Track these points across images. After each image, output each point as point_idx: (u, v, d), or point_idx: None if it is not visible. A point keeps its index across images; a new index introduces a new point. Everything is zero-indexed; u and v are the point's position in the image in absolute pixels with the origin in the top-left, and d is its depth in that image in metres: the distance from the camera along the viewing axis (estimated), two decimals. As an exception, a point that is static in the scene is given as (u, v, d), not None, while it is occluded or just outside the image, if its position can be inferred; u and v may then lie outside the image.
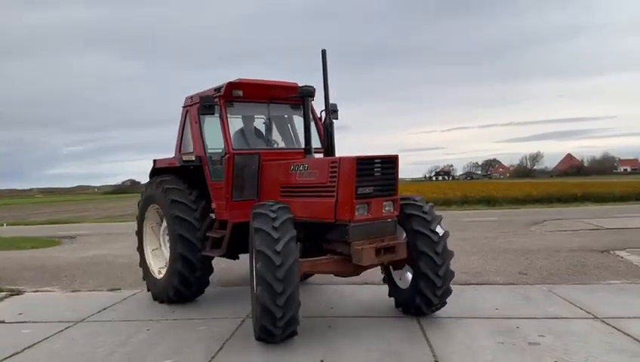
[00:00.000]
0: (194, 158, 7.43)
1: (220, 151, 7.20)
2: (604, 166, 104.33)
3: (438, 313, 6.41)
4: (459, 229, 15.15)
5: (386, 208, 5.95)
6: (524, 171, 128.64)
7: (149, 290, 8.13)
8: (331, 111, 6.82)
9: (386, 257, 5.86)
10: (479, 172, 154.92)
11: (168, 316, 6.91)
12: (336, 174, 5.79)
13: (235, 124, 7.61)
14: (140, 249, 8.39)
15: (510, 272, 8.96)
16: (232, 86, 7.10)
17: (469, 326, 5.95)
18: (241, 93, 7.18)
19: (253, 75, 7.90)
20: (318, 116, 7.68)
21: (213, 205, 7.32)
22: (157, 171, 8.24)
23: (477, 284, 8.09)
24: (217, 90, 7.20)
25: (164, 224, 7.97)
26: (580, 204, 25.11)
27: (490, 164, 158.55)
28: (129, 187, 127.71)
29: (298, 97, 7.20)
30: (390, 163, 5.95)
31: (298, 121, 7.85)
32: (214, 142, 7.42)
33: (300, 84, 7.29)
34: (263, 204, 5.88)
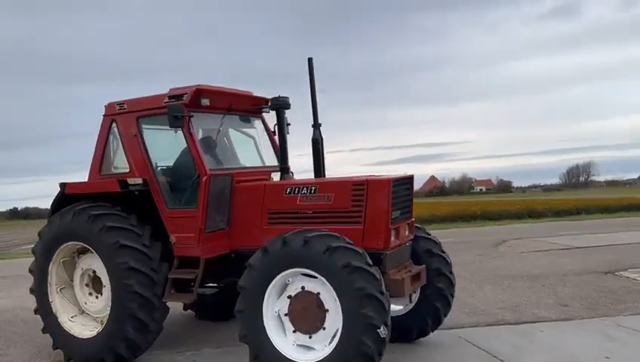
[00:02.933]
0: (140, 181, 5.95)
1: (171, 170, 6.21)
2: (463, 186, 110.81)
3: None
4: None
5: (407, 232, 5.72)
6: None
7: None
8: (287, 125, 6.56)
9: (416, 285, 5.64)
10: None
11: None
12: (362, 198, 5.28)
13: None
14: (39, 293, 6.50)
15: (548, 304, 8.21)
16: (199, 93, 5.84)
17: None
18: (208, 102, 5.94)
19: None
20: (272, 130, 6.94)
21: (173, 239, 5.95)
22: (67, 199, 6.38)
23: (532, 322, 7.19)
24: (177, 97, 5.82)
25: (84, 262, 6.39)
26: (482, 223, 25.29)
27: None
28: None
29: (271, 109, 6.50)
30: (409, 183, 5.81)
31: (252, 135, 7.04)
32: (161, 160, 6.24)
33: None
34: (326, 235, 4.87)
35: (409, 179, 5.77)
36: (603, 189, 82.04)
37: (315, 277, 4.80)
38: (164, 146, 6.33)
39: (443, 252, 6.28)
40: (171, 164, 6.28)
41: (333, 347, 4.63)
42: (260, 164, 6.79)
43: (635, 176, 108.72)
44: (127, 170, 6.21)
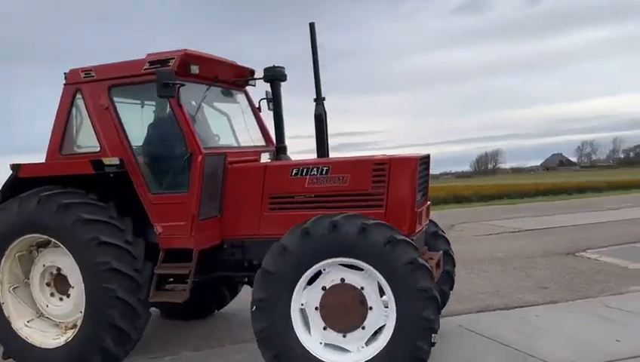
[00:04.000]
0: (117, 162, 5.13)
1: (153, 149, 5.49)
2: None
3: None
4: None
5: (425, 216, 5.43)
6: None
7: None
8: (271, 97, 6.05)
9: (438, 273, 5.30)
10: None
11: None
12: (384, 178, 4.82)
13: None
14: None
15: (528, 287, 8.20)
16: (188, 58, 5.15)
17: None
18: (197, 69, 5.27)
19: None
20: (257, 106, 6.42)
21: (158, 228, 5.23)
22: (21, 183, 5.42)
23: (521, 307, 7.14)
24: (160, 64, 5.07)
25: (46, 257, 5.48)
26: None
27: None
28: None
29: (265, 80, 5.85)
30: (428, 163, 5.44)
31: (236, 111, 6.36)
32: (139, 137, 5.53)
33: None
34: (382, 224, 4.38)
35: (428, 158, 5.39)
36: (509, 175, 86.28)
37: (359, 269, 4.34)
38: (143, 121, 5.56)
39: (444, 232, 6.17)
40: (153, 141, 5.51)
41: (379, 350, 4.20)
42: (248, 143, 6.14)
43: (538, 163, 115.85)
44: (97, 149, 5.36)
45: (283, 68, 5.79)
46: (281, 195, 5.17)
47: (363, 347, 4.30)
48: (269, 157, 6.11)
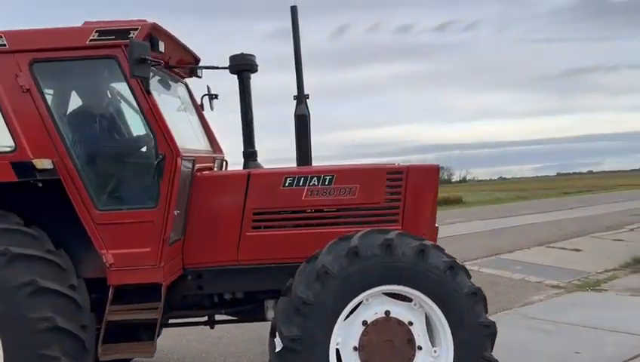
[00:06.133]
0: (51, 166, 3.72)
1: (101, 149, 4.14)
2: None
3: None
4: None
5: None
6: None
7: None
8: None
9: None
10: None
11: None
12: (400, 190, 4.26)
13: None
14: None
15: None
16: (155, 32, 4.00)
17: None
18: (163, 47, 4.10)
19: None
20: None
21: (108, 258, 3.83)
22: None
23: None
24: (116, 34, 3.85)
25: None
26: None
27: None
28: None
29: (232, 72, 4.77)
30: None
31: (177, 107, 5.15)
32: (77, 132, 4.10)
33: None
34: (435, 246, 3.75)
35: None
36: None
37: (403, 299, 3.62)
38: (86, 110, 4.09)
39: None
40: (102, 139, 4.08)
41: None
42: (198, 148, 4.90)
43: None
44: (9, 148, 3.73)
45: (253, 56, 4.80)
46: (269, 211, 4.24)
47: None
48: (215, 167, 5.04)
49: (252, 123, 4.82)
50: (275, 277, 4.09)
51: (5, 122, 3.73)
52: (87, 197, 3.78)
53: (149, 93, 3.77)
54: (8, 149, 3.73)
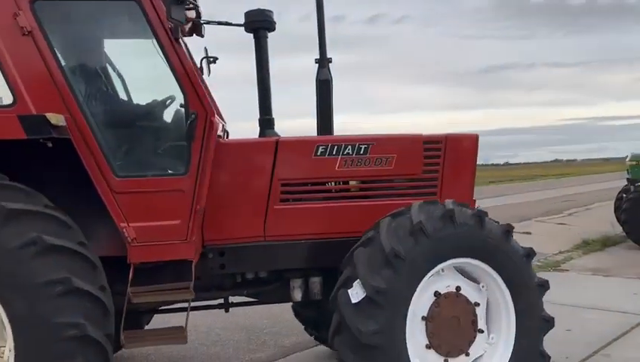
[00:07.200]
0: (64, 122, 3.13)
1: (120, 105, 3.72)
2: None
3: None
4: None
5: None
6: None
7: None
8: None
9: None
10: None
11: None
12: (439, 160, 4.05)
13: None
14: None
15: None
16: None
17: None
18: None
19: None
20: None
21: (129, 232, 3.33)
22: None
23: None
24: None
25: None
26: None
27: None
28: None
29: (247, 30, 4.31)
30: None
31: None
32: (88, 86, 3.57)
33: None
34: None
35: None
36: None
37: (472, 281, 3.49)
38: (97, 59, 3.51)
39: None
40: (118, 93, 3.52)
41: None
42: None
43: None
44: (8, 101, 3.13)
45: (271, 12, 4.33)
46: (299, 182, 3.91)
47: None
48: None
49: (269, 88, 4.40)
50: (304, 255, 3.83)
51: (1, 70, 3.12)
52: (104, 161, 3.26)
53: (177, 41, 3.30)
54: (5, 102, 3.13)
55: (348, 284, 3.29)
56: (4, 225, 2.76)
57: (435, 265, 3.36)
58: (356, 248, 3.45)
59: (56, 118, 3.02)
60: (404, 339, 3.24)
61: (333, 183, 4.06)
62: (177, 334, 3.38)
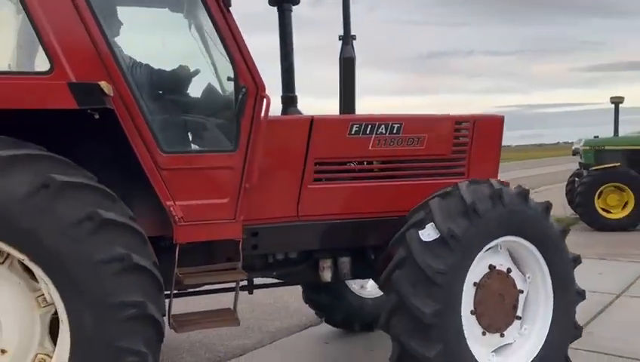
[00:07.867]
0: (110, 93, 2.90)
1: (167, 77, 3.49)
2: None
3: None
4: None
5: None
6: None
7: None
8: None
9: None
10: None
11: None
12: (467, 141, 4.09)
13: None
14: None
15: None
16: None
17: None
18: None
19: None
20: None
21: (176, 211, 3.16)
22: None
23: None
24: None
25: None
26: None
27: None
28: None
29: (271, 3, 4.15)
30: None
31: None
32: (133, 58, 3.40)
33: None
34: None
35: None
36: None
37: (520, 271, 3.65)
38: (144, 32, 3.32)
39: None
40: (164, 64, 3.31)
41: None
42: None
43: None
44: (48, 67, 2.87)
45: None
46: (333, 161, 3.84)
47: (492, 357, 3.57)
48: None
49: (293, 64, 4.28)
50: (337, 235, 3.79)
51: (37, 35, 2.87)
52: (150, 135, 3.06)
53: (228, 10, 3.15)
54: (42, 70, 2.89)
55: (420, 226, 3.31)
56: (55, 199, 2.57)
57: (499, 237, 3.48)
58: (433, 197, 3.48)
59: (108, 87, 2.82)
60: (462, 291, 3.32)
61: (365, 163, 4.05)
62: (228, 316, 3.28)
